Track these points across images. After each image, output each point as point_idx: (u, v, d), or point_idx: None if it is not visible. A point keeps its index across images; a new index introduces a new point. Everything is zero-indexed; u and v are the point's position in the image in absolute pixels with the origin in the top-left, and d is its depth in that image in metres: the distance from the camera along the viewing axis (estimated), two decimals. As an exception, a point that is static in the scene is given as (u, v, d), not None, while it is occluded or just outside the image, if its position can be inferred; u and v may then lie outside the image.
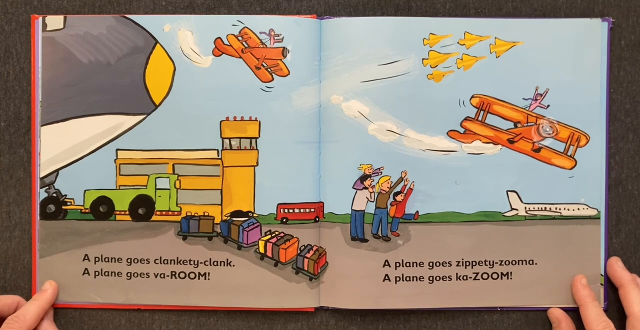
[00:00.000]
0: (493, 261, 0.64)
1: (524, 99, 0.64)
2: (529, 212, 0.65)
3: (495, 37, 0.64)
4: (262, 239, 0.64)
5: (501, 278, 0.64)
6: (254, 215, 0.64)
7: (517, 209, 0.64)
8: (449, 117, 0.64)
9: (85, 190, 0.65)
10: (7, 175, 0.66)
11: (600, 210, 0.65)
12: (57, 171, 0.65)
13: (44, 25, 0.65)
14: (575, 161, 0.64)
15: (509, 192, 0.64)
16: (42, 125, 0.65)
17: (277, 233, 0.65)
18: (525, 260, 0.65)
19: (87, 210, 0.65)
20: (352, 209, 0.64)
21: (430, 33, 0.63)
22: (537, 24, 0.64)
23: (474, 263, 0.64)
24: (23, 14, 0.66)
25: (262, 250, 0.64)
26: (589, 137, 0.64)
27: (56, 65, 0.65)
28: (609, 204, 0.66)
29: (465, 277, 0.64)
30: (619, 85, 0.65)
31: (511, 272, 0.65)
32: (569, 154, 0.64)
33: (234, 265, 0.65)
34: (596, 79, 0.64)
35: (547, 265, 0.65)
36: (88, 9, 0.66)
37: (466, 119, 0.64)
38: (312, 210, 0.64)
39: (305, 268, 0.64)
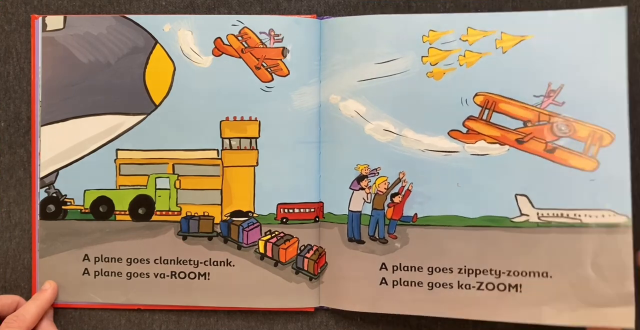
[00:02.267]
0: (500, 271, 0.60)
1: (534, 96, 0.60)
2: (542, 218, 0.59)
3: (502, 32, 0.60)
4: (262, 239, 0.64)
5: (509, 290, 0.60)
6: (254, 215, 0.64)
7: (527, 215, 0.60)
8: (450, 117, 0.61)
9: (85, 190, 0.65)
10: (7, 175, 0.66)
11: (630, 217, 0.58)
12: (57, 171, 0.65)
13: (44, 25, 0.65)
14: (598, 162, 0.59)
15: (518, 196, 0.60)
16: (42, 125, 0.65)
17: (277, 233, 0.64)
18: (538, 272, 0.59)
19: (87, 210, 0.65)
20: (349, 210, 0.63)
21: (430, 30, 0.61)
22: (548, 16, 0.60)
23: (477, 271, 0.60)
24: (23, 14, 0.66)
25: (262, 250, 0.64)
26: (613, 135, 0.58)
27: (56, 65, 0.65)
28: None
29: (467, 286, 0.61)
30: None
31: (521, 285, 0.59)
32: (589, 154, 0.59)
33: (234, 265, 0.64)
34: (622, 72, 0.58)
35: (565, 279, 0.59)
36: (88, 9, 0.66)
37: (469, 118, 0.61)
38: (312, 210, 0.64)
39: (305, 268, 0.64)
